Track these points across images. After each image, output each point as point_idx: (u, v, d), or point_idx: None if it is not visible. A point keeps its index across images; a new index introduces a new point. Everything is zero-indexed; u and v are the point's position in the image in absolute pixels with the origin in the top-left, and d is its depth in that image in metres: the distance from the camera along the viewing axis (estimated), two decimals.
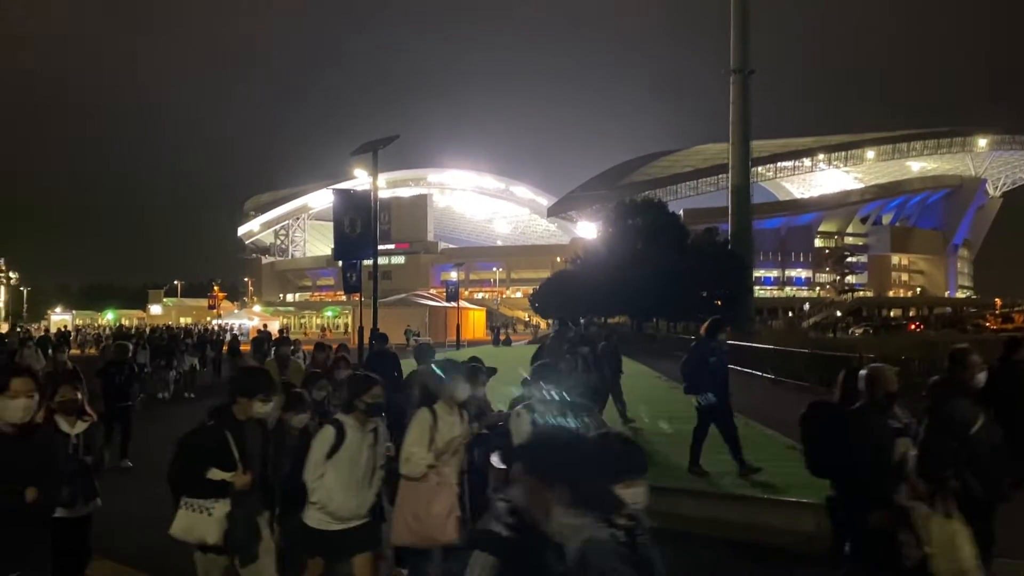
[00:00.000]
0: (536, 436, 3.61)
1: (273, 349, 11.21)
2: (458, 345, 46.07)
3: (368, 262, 19.04)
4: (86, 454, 5.35)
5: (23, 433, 3.90)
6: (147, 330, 42.02)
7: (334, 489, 4.75)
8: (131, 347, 12.43)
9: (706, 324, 10.13)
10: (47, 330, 50.36)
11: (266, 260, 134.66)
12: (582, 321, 29.96)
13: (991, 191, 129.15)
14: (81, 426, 5.40)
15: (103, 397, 10.91)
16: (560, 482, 2.45)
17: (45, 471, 3.94)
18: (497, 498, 2.85)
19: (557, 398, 5.42)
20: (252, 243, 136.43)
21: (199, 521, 4.37)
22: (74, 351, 39.17)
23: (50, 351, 26.39)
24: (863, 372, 4.93)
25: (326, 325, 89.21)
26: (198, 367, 22.97)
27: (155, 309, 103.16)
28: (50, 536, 4.17)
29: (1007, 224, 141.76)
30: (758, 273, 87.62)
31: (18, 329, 40.32)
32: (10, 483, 3.74)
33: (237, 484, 4.33)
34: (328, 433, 4.83)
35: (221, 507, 4.35)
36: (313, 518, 4.81)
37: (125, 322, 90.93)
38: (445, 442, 5.11)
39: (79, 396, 5.53)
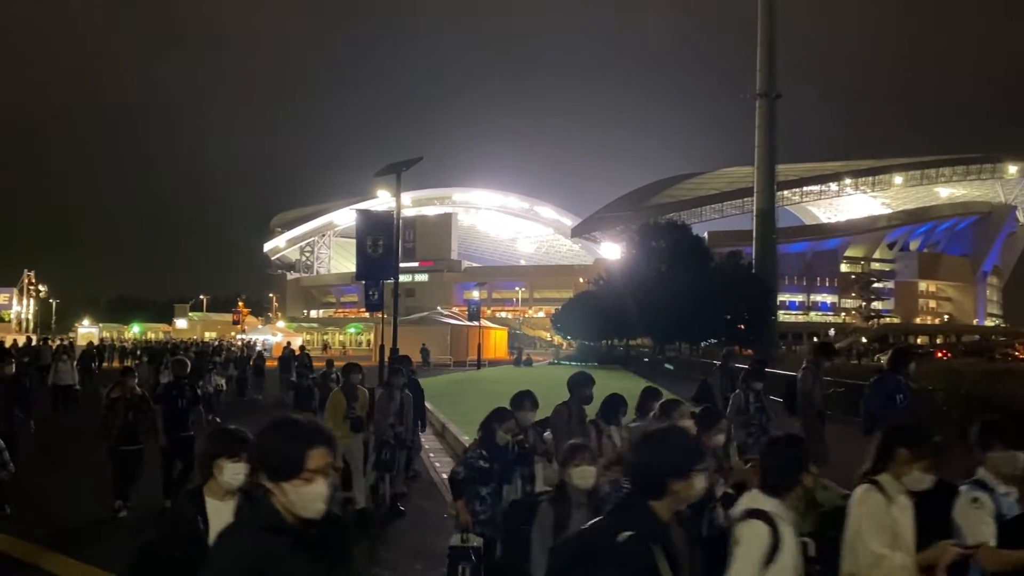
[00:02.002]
0: None
1: (330, 375, 10.46)
2: (479, 365, 46.04)
3: (391, 281, 19.16)
4: None
5: (321, 532, 2.45)
6: (170, 346, 41.93)
7: None
8: (188, 363, 10.63)
9: (891, 354, 8.80)
10: (92, 344, 47.04)
11: (291, 276, 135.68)
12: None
13: (1022, 218, 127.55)
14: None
15: (164, 427, 9.41)
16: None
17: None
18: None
19: None
20: (278, 259, 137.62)
21: None
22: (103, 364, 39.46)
23: (90, 365, 25.84)
24: None
25: (328, 342, 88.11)
26: (224, 387, 21.70)
27: (181, 323, 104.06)
28: None
29: None
30: (783, 297, 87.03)
31: (48, 341, 39.50)
32: None
33: None
34: (761, 535, 3.06)
35: None
36: None
37: (151, 335, 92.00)
38: (916, 546, 3.48)
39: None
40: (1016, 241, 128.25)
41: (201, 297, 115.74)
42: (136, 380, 9.76)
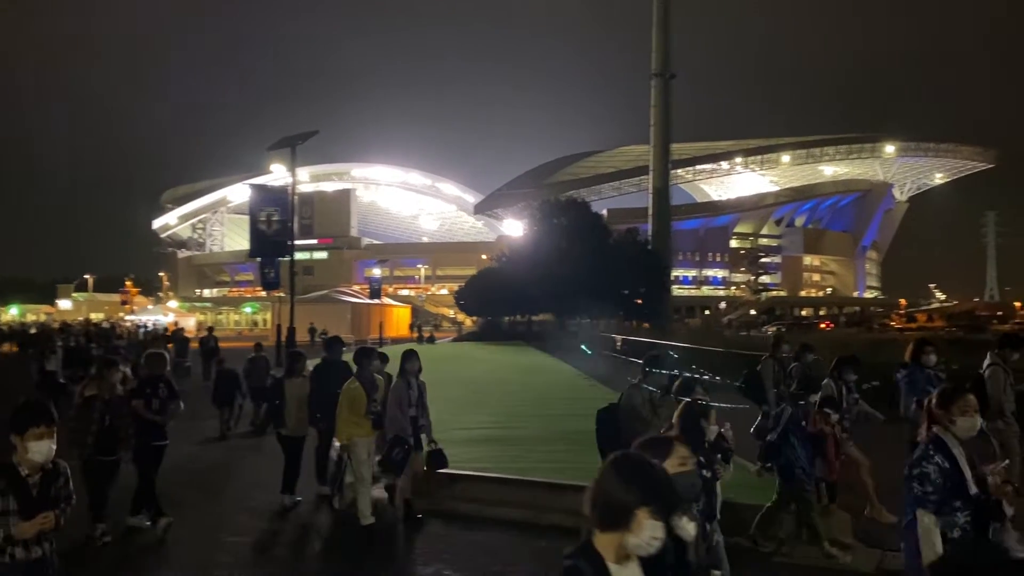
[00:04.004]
0: None
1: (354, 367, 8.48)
2: (381, 343, 45.62)
3: (288, 259, 18.75)
4: None
5: None
6: (58, 328, 39.75)
7: None
8: (167, 358, 8.96)
9: (912, 346, 8.37)
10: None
11: (183, 254, 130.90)
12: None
13: (898, 195, 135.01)
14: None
15: (134, 433, 7.89)
16: None
17: None
18: None
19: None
20: (168, 237, 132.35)
21: None
22: None
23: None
24: None
25: (210, 322, 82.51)
26: (130, 377, 19.65)
27: (64, 304, 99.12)
28: None
29: (912, 227, 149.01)
30: (677, 272, 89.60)
31: None
32: None
33: None
34: None
35: None
36: None
37: (31, 317, 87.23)
38: None
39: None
40: (893, 217, 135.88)
41: (86, 277, 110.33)
42: (120, 376, 8.03)
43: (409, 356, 8.44)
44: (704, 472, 4.28)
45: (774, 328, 68.49)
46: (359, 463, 8.00)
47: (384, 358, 9.58)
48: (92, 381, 7.88)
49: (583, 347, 48.60)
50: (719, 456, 4.69)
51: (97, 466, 7.53)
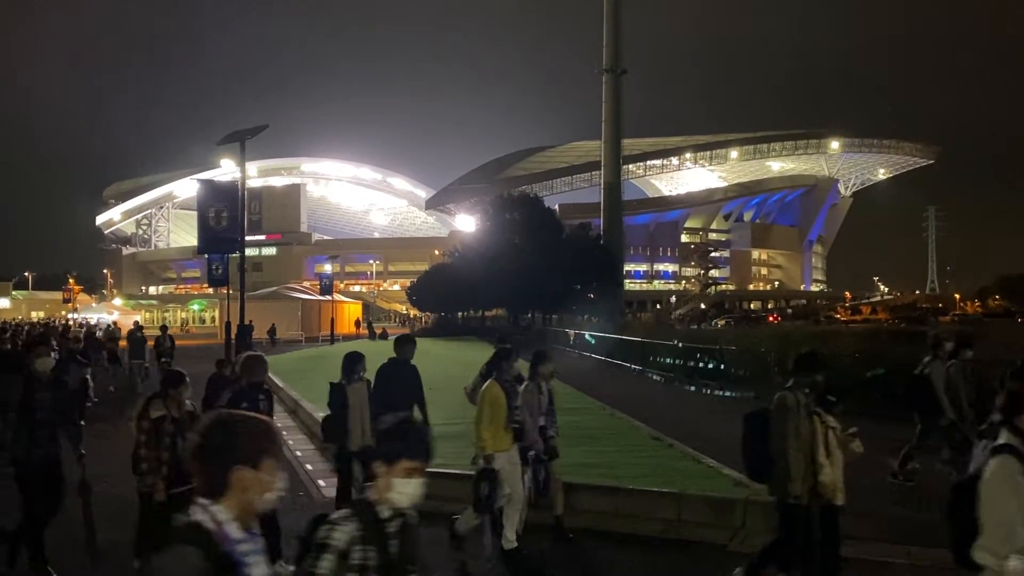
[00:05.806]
0: None
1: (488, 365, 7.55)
2: (332, 340, 45.21)
3: (237, 255, 18.42)
4: None
5: None
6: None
7: None
8: (267, 362, 7.38)
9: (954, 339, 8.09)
10: None
11: (127, 251, 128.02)
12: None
13: (843, 191, 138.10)
14: None
15: None
16: None
17: None
18: None
19: None
20: (112, 233, 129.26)
21: None
22: None
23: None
24: None
25: (159, 320, 78.38)
26: (91, 383, 16.94)
27: (2, 302, 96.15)
28: None
29: (856, 222, 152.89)
30: (628, 267, 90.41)
31: None
32: None
33: None
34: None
35: None
36: None
37: None
38: None
39: None
40: (838, 212, 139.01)
41: (26, 274, 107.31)
42: (189, 391, 6.55)
43: (542, 358, 7.32)
44: None
45: (723, 321, 69.61)
46: (508, 479, 6.82)
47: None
48: (155, 400, 6.39)
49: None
50: None
51: (169, 500, 5.96)
